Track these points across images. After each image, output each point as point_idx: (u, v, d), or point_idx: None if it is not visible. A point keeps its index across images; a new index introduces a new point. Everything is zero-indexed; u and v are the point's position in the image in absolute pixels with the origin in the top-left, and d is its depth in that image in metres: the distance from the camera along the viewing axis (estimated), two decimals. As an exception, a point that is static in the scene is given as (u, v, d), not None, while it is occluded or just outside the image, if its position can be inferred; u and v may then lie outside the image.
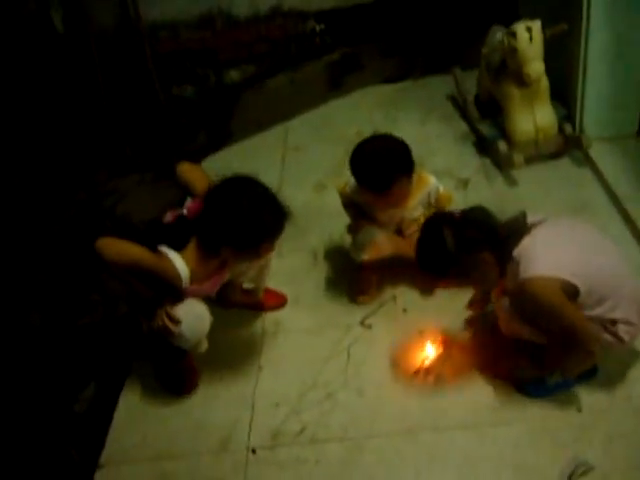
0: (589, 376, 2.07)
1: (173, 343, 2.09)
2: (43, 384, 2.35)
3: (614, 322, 1.89)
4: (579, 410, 2.01)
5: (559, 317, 1.81)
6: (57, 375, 2.41)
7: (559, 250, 1.86)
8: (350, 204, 2.47)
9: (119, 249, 1.94)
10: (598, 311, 1.86)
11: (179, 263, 1.97)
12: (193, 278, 2.02)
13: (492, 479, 1.89)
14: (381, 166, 2.18)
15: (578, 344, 1.84)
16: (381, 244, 2.42)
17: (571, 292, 1.80)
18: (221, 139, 3.77)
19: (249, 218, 1.92)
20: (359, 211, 2.45)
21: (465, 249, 1.88)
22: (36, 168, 3.48)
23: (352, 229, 2.51)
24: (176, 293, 2.03)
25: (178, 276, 1.97)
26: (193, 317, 2.06)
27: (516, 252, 1.86)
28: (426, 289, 2.54)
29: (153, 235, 2.03)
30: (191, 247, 2.00)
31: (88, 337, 2.58)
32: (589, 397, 2.04)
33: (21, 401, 2.18)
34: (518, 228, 1.91)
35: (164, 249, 1.98)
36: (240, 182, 2.00)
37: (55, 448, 2.06)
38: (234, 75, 4.25)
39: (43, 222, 3.22)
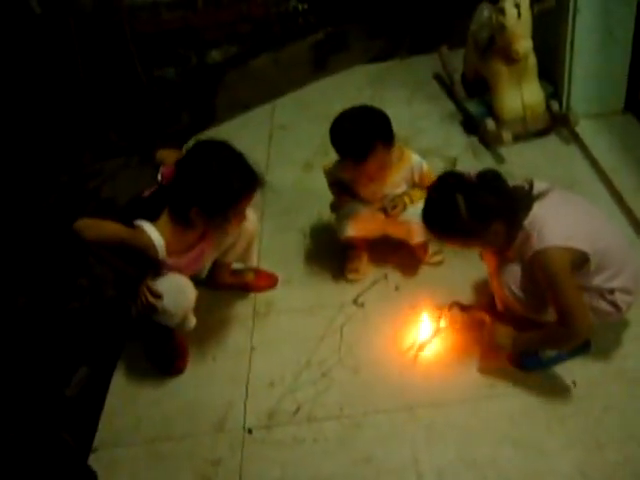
0: (583, 350, 2.08)
1: (159, 321, 2.06)
2: (33, 369, 2.32)
3: (612, 291, 1.90)
4: (574, 384, 2.03)
5: (561, 293, 1.79)
6: (47, 360, 2.38)
7: (569, 219, 1.86)
8: (335, 182, 2.45)
9: (95, 227, 1.92)
10: (599, 279, 1.87)
11: (153, 233, 1.95)
12: (171, 249, 1.99)
13: (489, 453, 1.90)
14: (358, 132, 2.16)
15: (567, 324, 1.81)
16: (366, 221, 2.41)
17: (581, 260, 1.81)
18: (205, 119, 3.72)
19: (217, 180, 1.90)
20: (344, 189, 2.44)
21: (478, 218, 1.82)
22: (18, 152, 3.43)
23: (335, 206, 2.49)
24: (156, 266, 2.01)
25: (153, 246, 1.94)
26: (175, 290, 2.04)
27: (527, 222, 1.83)
28: (415, 268, 2.54)
29: (131, 211, 2.01)
30: (164, 216, 1.98)
31: (77, 321, 2.55)
32: (583, 371, 2.05)
33: (12, 387, 2.15)
34: (526, 196, 1.88)
35: (139, 222, 1.96)
36: (212, 146, 2.00)
37: (48, 433, 2.03)
38: (216, 55, 4.21)
39: (27, 206, 3.17)
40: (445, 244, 1.98)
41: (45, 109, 3.62)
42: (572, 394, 2.00)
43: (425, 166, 2.38)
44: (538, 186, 1.90)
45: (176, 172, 1.95)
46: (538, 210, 1.84)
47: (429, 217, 1.92)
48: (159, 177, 2.00)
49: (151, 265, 2.00)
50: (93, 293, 2.69)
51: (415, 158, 2.37)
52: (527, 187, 1.90)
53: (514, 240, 1.87)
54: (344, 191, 2.43)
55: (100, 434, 2.15)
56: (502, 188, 1.86)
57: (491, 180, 1.86)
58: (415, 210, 2.34)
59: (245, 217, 2.11)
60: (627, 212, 2.52)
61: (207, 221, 2.01)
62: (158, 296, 1.99)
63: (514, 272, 1.93)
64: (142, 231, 1.94)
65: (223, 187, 1.91)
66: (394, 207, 2.34)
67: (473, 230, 1.84)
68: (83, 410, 2.24)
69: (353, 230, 2.42)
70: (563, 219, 1.84)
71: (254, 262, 2.53)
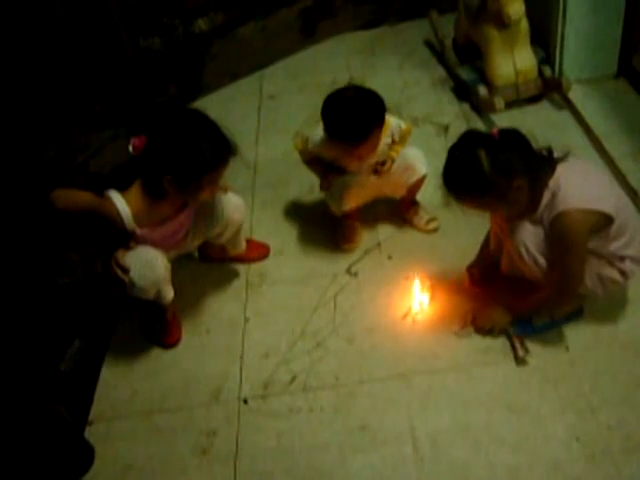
0: (576, 316, 2.10)
1: (132, 294, 2.05)
2: (27, 345, 2.31)
3: (623, 259, 1.90)
4: (567, 349, 2.04)
5: (573, 260, 1.80)
6: (40, 335, 2.37)
7: (593, 182, 1.85)
8: (313, 160, 2.40)
9: (66, 197, 1.94)
10: (615, 245, 1.86)
11: (119, 202, 1.94)
12: (141, 220, 1.98)
13: (484, 419, 1.91)
14: (360, 117, 2.11)
15: (560, 285, 1.87)
16: (358, 189, 2.40)
17: (602, 224, 1.80)
18: (193, 90, 3.67)
19: (189, 146, 1.88)
20: (325, 165, 2.39)
21: (501, 173, 1.75)
22: (3, 128, 3.36)
23: (324, 186, 2.44)
24: (128, 238, 2.00)
25: (119, 215, 1.93)
26: (142, 264, 2.02)
27: (552, 182, 1.80)
28: (408, 236, 2.54)
29: (105, 182, 2.00)
30: (135, 186, 1.98)
31: (69, 296, 2.53)
32: (576, 336, 2.06)
33: (7, 364, 2.13)
34: (549, 157, 1.85)
35: (108, 192, 1.95)
36: (182, 115, 1.99)
37: (44, 408, 2.02)
38: (202, 24, 4.12)
39: (15, 183, 3.12)
40: (464, 206, 1.90)
41: (28, 82, 3.54)
42: (565, 359, 2.01)
43: (403, 125, 2.36)
44: (557, 152, 1.88)
45: (147, 140, 1.93)
46: (563, 170, 1.82)
47: (451, 174, 1.84)
48: (130, 148, 1.97)
49: (124, 236, 1.99)
50: (85, 267, 2.66)
51: (393, 122, 2.33)
52: (547, 151, 1.87)
53: (540, 200, 1.83)
54: (328, 169, 2.39)
55: (95, 407, 2.15)
56: (525, 145, 1.82)
57: (514, 137, 1.82)
58: (404, 155, 2.36)
59: (219, 188, 2.10)
60: (620, 178, 2.50)
61: (180, 190, 1.98)
62: (125, 270, 1.98)
63: (532, 232, 1.87)
64: (108, 200, 1.94)
65: (195, 153, 1.89)
66: (383, 164, 2.33)
67: (496, 186, 1.77)
68: (78, 384, 2.24)
69: (348, 203, 2.41)
70: (588, 181, 1.84)
71: (243, 248, 2.50)
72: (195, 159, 1.89)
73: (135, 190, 1.97)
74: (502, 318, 2.09)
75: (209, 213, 2.22)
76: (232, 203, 2.25)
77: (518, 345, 2.05)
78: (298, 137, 2.38)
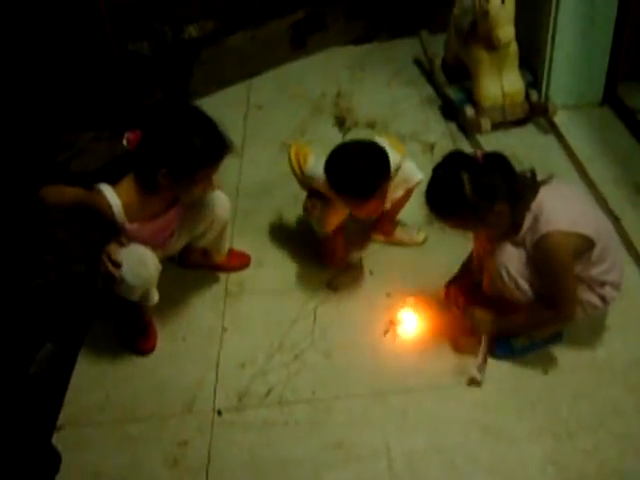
0: (554, 340, 2.10)
1: (119, 293, 2.02)
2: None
3: (604, 284, 1.91)
4: (545, 372, 2.03)
5: (558, 276, 1.81)
6: (10, 338, 2.31)
7: (576, 205, 1.86)
8: (311, 189, 2.36)
9: (56, 193, 1.95)
10: (596, 271, 1.87)
11: (109, 194, 1.92)
12: (131, 214, 1.96)
13: (460, 439, 1.89)
14: (366, 173, 2.06)
15: (557, 308, 1.85)
16: (340, 214, 2.36)
17: (584, 248, 1.81)
18: (180, 96, 3.64)
19: (185, 140, 1.88)
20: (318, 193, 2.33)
21: (482, 196, 1.77)
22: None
23: (307, 211, 2.38)
24: (117, 232, 1.97)
25: (109, 207, 1.91)
26: (134, 260, 1.99)
27: (535, 205, 1.81)
28: (389, 252, 2.53)
29: (95, 177, 1.99)
30: (127, 179, 1.97)
31: (42, 298, 2.48)
32: (555, 359, 2.06)
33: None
34: (532, 180, 1.86)
35: (98, 185, 1.94)
36: (180, 109, 2.00)
37: (9, 411, 1.96)
38: (192, 31, 4.11)
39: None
40: (447, 226, 1.92)
41: (17, 82, 3.50)
42: (543, 382, 2.01)
43: (398, 159, 2.25)
44: (540, 175, 1.89)
45: (144, 134, 1.92)
46: (545, 194, 1.83)
47: (433, 195, 1.86)
48: (124, 142, 1.95)
49: (113, 231, 1.97)
50: (59, 269, 2.62)
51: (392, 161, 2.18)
52: (531, 174, 1.88)
53: (522, 223, 1.84)
54: (317, 195, 2.34)
55: (65, 412, 2.09)
56: (508, 169, 1.83)
57: (497, 161, 1.83)
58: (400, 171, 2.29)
59: (212, 185, 2.09)
60: (602, 202, 2.53)
61: (174, 184, 1.96)
62: (117, 265, 1.95)
63: (513, 254, 1.88)
64: (98, 192, 1.92)
65: (192, 148, 1.89)
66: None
67: (477, 209, 1.79)
68: (48, 388, 2.18)
69: (330, 225, 2.36)
70: (570, 205, 1.85)
71: (225, 250, 2.48)
72: (192, 153, 1.90)
73: (127, 183, 1.96)
74: (484, 323, 2.05)
75: (196, 208, 2.20)
76: (219, 199, 2.25)
77: (481, 362, 2.03)
78: (295, 162, 2.37)
